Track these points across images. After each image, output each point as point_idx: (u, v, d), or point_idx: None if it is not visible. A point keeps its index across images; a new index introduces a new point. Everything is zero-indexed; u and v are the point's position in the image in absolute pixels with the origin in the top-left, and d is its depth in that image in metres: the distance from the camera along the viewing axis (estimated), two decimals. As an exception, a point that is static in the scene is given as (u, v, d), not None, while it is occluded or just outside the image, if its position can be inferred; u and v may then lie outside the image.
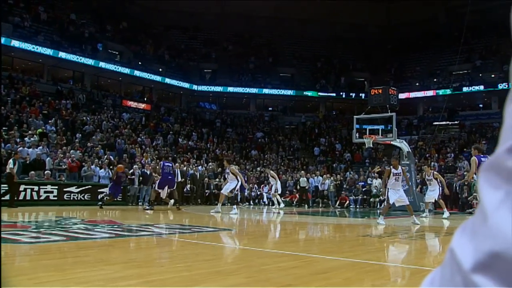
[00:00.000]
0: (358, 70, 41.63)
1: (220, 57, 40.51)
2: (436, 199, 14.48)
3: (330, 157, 32.49)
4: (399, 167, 11.93)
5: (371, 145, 21.64)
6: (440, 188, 14.56)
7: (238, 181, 14.66)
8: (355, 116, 20.82)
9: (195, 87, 37.50)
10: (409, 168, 19.07)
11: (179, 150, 27.69)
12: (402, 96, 29.89)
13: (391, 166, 11.82)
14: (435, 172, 14.63)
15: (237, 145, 33.04)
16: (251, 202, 24.22)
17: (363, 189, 24.00)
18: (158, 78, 34.96)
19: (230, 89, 38.10)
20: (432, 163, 25.63)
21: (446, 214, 14.32)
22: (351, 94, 38.63)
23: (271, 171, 21.11)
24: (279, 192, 20.34)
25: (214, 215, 13.83)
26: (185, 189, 21.10)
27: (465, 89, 34.28)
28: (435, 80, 36.89)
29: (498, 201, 0.49)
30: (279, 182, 20.37)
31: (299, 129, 37.81)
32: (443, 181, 15.29)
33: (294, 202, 23.49)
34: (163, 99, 37.78)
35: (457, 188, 21.28)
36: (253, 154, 31.49)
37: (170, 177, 15.88)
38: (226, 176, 15.27)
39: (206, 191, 22.58)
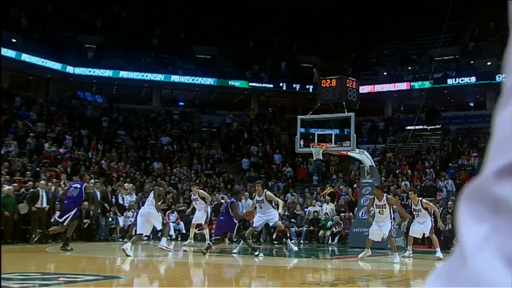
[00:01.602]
0: (305, 53, 42.57)
1: (109, 27, 39.86)
2: (428, 234, 14.94)
3: (264, 173, 32.74)
4: (384, 197, 13.00)
5: (321, 157, 22.04)
6: (432, 221, 14.97)
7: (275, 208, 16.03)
8: (299, 117, 21.14)
9: (70, 69, 36.52)
10: (372, 189, 19.59)
11: (44, 161, 26.71)
12: (364, 89, 30.81)
13: (374, 196, 13.15)
14: (425, 201, 15.07)
15: (133, 155, 32.47)
16: (151, 236, 23.82)
17: (309, 218, 24.32)
18: (11, 53, 33.47)
19: (124, 73, 37.55)
20: (403, 182, 26.46)
21: (439, 254, 14.30)
22: (294, 85, 39.39)
23: (201, 190, 20.64)
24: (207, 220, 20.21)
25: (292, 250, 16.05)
26: (52, 219, 20.27)
27: (450, 81, 35.31)
28: (409, 68, 38.18)
29: (481, 238, 0.50)
30: (209, 207, 20.24)
31: (222, 133, 37.99)
32: (437, 211, 15.88)
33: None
34: (20, 85, 36.61)
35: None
36: (156, 167, 31.10)
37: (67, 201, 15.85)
38: (260, 206, 16.05)
39: (85, 221, 21.89)
